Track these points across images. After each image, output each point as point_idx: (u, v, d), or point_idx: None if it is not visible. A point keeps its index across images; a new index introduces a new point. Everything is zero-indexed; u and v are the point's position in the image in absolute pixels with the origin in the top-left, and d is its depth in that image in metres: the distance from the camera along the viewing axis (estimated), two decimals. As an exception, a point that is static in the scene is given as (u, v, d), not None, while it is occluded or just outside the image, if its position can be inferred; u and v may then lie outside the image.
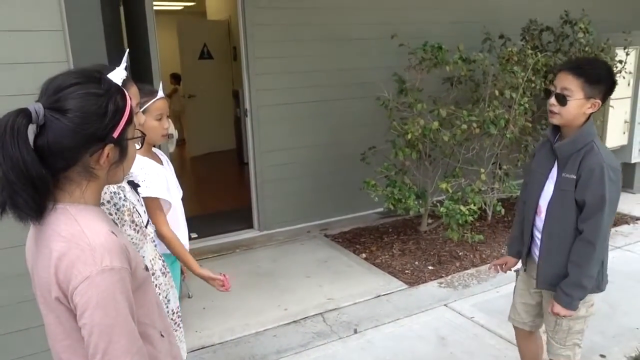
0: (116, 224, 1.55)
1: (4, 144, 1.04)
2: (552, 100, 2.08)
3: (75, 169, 1.13)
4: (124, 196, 1.65)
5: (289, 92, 4.95)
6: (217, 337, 3.31)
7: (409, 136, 4.32)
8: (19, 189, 1.06)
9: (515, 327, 2.52)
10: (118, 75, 1.24)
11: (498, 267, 2.54)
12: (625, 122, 5.92)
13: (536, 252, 2.30)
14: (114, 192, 1.60)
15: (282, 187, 5.09)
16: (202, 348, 3.18)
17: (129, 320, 1.10)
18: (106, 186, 1.55)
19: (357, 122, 5.24)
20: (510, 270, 2.54)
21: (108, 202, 1.57)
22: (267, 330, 3.37)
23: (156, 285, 1.77)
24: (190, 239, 2.48)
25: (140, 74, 4.66)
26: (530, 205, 2.28)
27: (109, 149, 1.13)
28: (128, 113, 1.16)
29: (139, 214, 1.70)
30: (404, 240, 4.83)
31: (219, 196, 6.46)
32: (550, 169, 2.18)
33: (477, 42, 5.08)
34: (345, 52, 5.12)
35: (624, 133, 5.91)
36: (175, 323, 1.87)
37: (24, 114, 1.07)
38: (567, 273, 2.11)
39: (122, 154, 1.18)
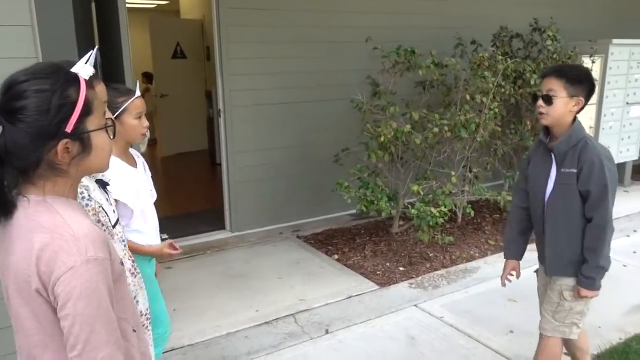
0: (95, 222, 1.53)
1: None
2: (540, 102, 2.25)
3: (42, 165, 1.13)
4: (88, 195, 1.63)
5: (262, 93, 4.94)
6: (187, 338, 3.28)
7: (382, 138, 4.36)
8: None
9: None
10: (85, 72, 1.23)
11: (508, 277, 2.62)
12: (591, 127, 6.10)
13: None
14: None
15: (255, 188, 5.08)
16: (171, 350, 3.15)
17: (110, 311, 1.12)
18: None
19: (330, 124, 5.26)
20: (520, 275, 2.64)
21: None
22: (238, 332, 3.36)
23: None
24: (161, 240, 2.46)
25: (111, 72, 4.59)
26: (537, 207, 2.42)
27: (64, 143, 1.12)
28: (82, 105, 1.14)
29: (105, 213, 1.68)
30: (375, 242, 4.87)
31: (191, 197, 6.40)
32: (550, 168, 2.33)
33: (450, 47, 5.17)
34: (319, 54, 5.14)
35: (589, 138, 6.08)
36: (144, 325, 1.85)
37: None
38: (575, 258, 2.30)
39: (85, 147, 1.16)
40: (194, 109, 8.42)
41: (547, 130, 2.35)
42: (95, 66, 1.34)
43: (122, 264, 1.26)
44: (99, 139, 1.19)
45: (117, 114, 2.04)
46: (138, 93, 2.18)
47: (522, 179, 2.56)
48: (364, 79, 4.81)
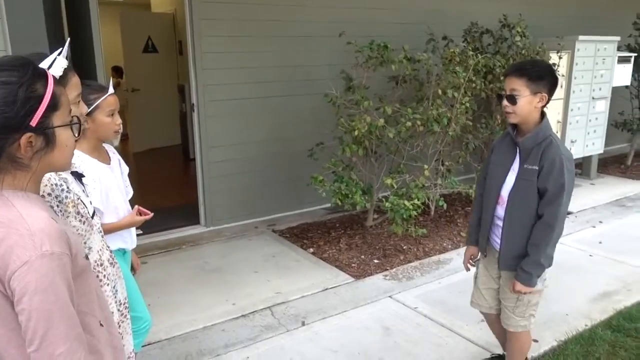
0: (57, 216, 1.52)
1: None
2: (505, 102, 2.30)
3: (2, 158, 1.12)
4: (67, 188, 1.62)
5: (236, 87, 4.93)
6: (163, 333, 3.28)
7: (356, 133, 4.40)
8: None
9: (483, 313, 2.73)
10: (59, 64, 1.22)
11: (470, 262, 2.72)
12: (558, 122, 6.26)
13: (495, 239, 2.50)
14: (56, 185, 1.57)
15: (230, 182, 5.08)
16: (148, 344, 3.14)
17: (69, 305, 1.11)
18: (47, 179, 1.53)
19: (304, 118, 5.29)
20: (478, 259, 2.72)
21: (49, 194, 1.54)
22: (215, 325, 3.37)
23: (105, 275, 1.75)
24: (136, 235, 2.46)
25: (82, 65, 4.52)
26: (491, 196, 2.47)
27: (28, 137, 1.12)
28: (48, 100, 1.14)
29: (84, 204, 1.68)
30: (350, 235, 4.92)
31: (165, 192, 6.34)
32: (512, 162, 2.38)
33: (422, 43, 5.24)
34: (293, 48, 5.15)
35: (557, 132, 6.25)
36: (122, 314, 1.86)
37: None
38: (526, 254, 2.32)
39: (49, 142, 1.16)
40: (167, 104, 8.32)
41: (514, 124, 2.39)
42: (65, 57, 1.34)
43: (87, 258, 1.25)
44: (63, 136, 1.19)
45: (89, 110, 2.02)
46: (111, 90, 2.17)
47: (485, 169, 2.61)
48: (337, 73, 4.84)
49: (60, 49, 1.28)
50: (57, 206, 1.55)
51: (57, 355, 1.07)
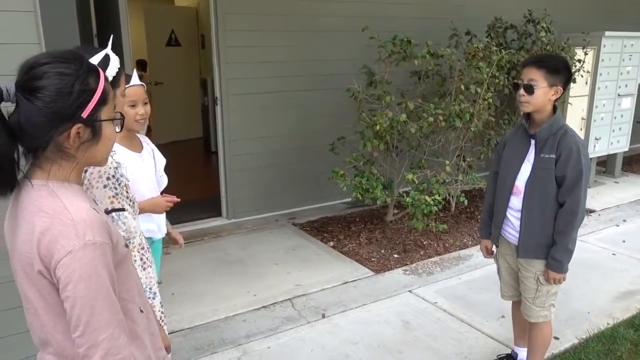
0: (97, 206, 1.57)
1: None
2: (521, 91, 2.35)
3: (50, 148, 1.16)
4: (121, 173, 1.69)
5: (259, 81, 4.97)
6: (186, 322, 3.34)
7: (377, 127, 4.41)
8: None
9: (513, 302, 2.79)
10: (115, 62, 1.28)
11: (488, 254, 2.78)
12: (583, 119, 6.18)
13: (509, 230, 2.56)
14: (116, 168, 1.64)
15: (251, 175, 5.13)
16: (171, 333, 3.20)
17: (111, 293, 1.15)
18: (110, 162, 1.58)
19: (326, 112, 5.30)
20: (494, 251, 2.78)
21: (113, 176, 1.61)
22: (236, 315, 3.42)
23: (147, 258, 1.82)
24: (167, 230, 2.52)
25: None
26: (505, 187, 2.52)
27: (77, 128, 1.16)
28: (100, 94, 1.19)
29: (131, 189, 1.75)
30: (370, 230, 4.94)
31: (187, 184, 6.39)
32: (527, 153, 2.45)
33: (445, 38, 5.21)
34: (316, 43, 5.17)
35: (581, 129, 6.17)
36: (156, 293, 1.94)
37: None
38: (547, 241, 2.40)
39: (95, 134, 1.20)
40: (189, 97, 8.41)
41: (527, 116, 2.45)
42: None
43: (126, 246, 1.29)
44: (108, 129, 1.24)
45: None
46: (135, 82, 2.19)
47: (497, 162, 2.66)
48: (359, 68, 4.84)
49: (109, 46, 1.32)
50: (117, 188, 1.61)
51: (100, 341, 1.12)
